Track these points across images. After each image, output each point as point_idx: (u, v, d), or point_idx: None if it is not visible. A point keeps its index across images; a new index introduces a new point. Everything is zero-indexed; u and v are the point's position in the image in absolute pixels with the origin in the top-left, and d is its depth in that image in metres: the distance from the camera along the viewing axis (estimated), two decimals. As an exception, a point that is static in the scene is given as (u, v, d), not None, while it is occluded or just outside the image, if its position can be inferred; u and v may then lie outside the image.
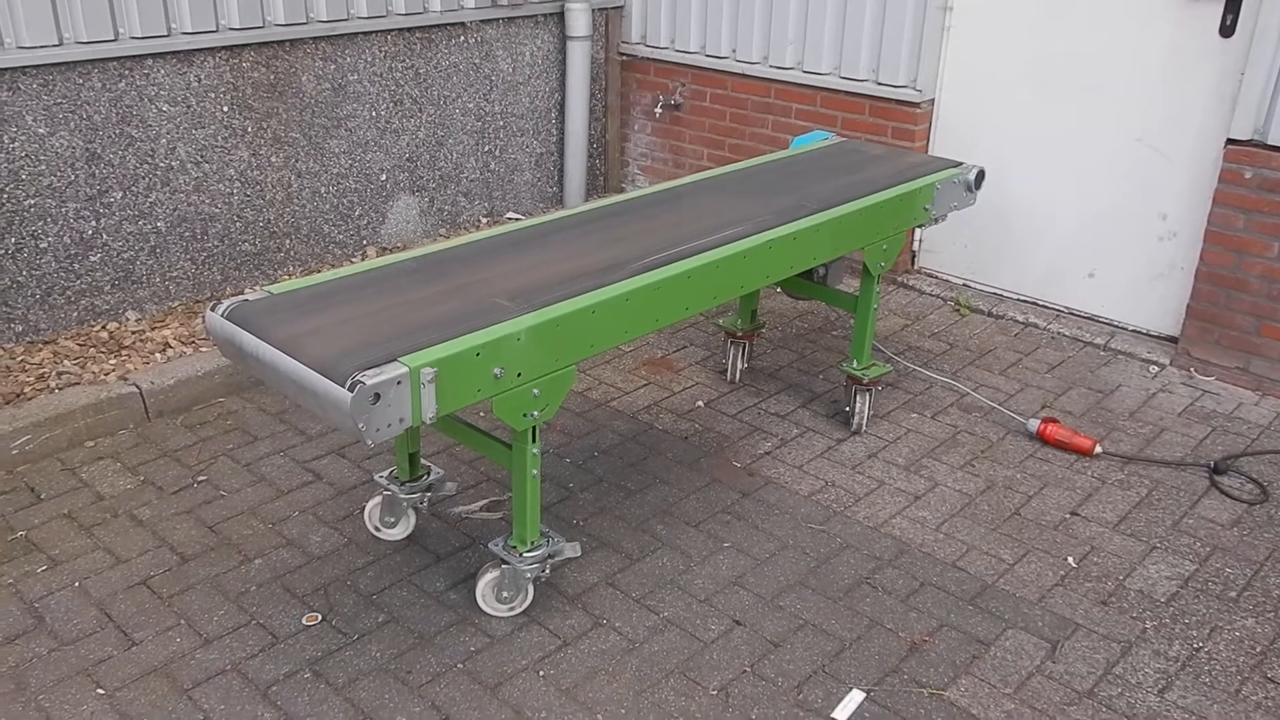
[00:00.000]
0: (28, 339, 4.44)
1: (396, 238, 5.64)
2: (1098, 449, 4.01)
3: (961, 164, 4.16)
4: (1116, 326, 4.97)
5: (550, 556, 3.09)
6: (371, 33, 5.17)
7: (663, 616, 3.16)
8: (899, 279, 5.53)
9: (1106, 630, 3.14)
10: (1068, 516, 3.68)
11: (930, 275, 5.57)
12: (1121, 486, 3.85)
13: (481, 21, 5.62)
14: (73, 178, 4.38)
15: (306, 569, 3.34)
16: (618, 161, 6.57)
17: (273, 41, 4.82)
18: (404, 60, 5.35)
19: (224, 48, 4.67)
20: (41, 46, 4.14)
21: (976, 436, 4.15)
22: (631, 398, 4.41)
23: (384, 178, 5.48)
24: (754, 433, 4.16)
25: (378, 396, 2.41)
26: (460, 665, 2.96)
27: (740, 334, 4.45)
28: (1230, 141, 4.31)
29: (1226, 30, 4.33)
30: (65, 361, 4.27)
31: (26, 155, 4.24)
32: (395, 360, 2.49)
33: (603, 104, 6.39)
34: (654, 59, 6.19)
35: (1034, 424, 4.11)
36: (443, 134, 5.66)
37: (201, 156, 4.75)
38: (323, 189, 5.24)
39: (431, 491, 3.45)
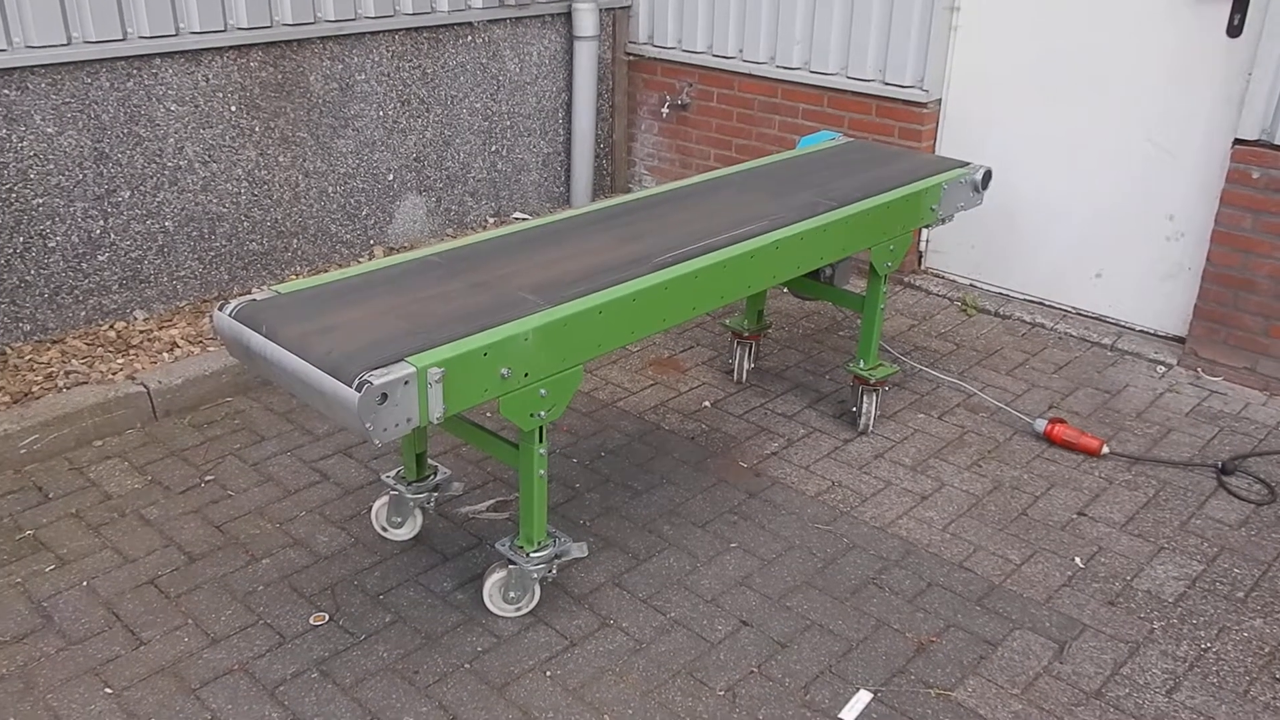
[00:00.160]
0: (35, 338, 4.45)
1: (403, 237, 5.65)
2: (1105, 449, 4.01)
3: (968, 164, 4.15)
4: (1124, 327, 4.97)
5: (557, 556, 3.09)
6: (379, 32, 5.18)
7: (670, 617, 3.16)
8: (906, 279, 5.52)
9: (1114, 631, 3.14)
10: (1075, 517, 3.67)
11: (937, 275, 5.57)
12: (1129, 487, 3.84)
13: (489, 21, 5.62)
14: (81, 177, 4.39)
15: (314, 569, 3.34)
16: (624, 161, 6.57)
17: (280, 41, 4.83)
18: (411, 60, 5.36)
19: (232, 47, 4.68)
20: (50, 46, 4.15)
21: (983, 437, 4.15)
22: (638, 398, 4.41)
23: (391, 177, 5.49)
24: (761, 433, 4.16)
25: (385, 396, 2.41)
26: (467, 665, 2.96)
27: (747, 334, 4.45)
28: (1238, 141, 4.31)
29: (1234, 30, 4.32)
30: (73, 361, 4.27)
31: (35, 154, 4.25)
32: (402, 360, 2.49)
33: (610, 104, 6.39)
34: (661, 59, 6.19)
35: (1041, 424, 4.10)
36: (450, 134, 5.66)
37: (209, 156, 4.76)
38: (330, 189, 5.25)
39: (438, 491, 3.45)
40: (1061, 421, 4.08)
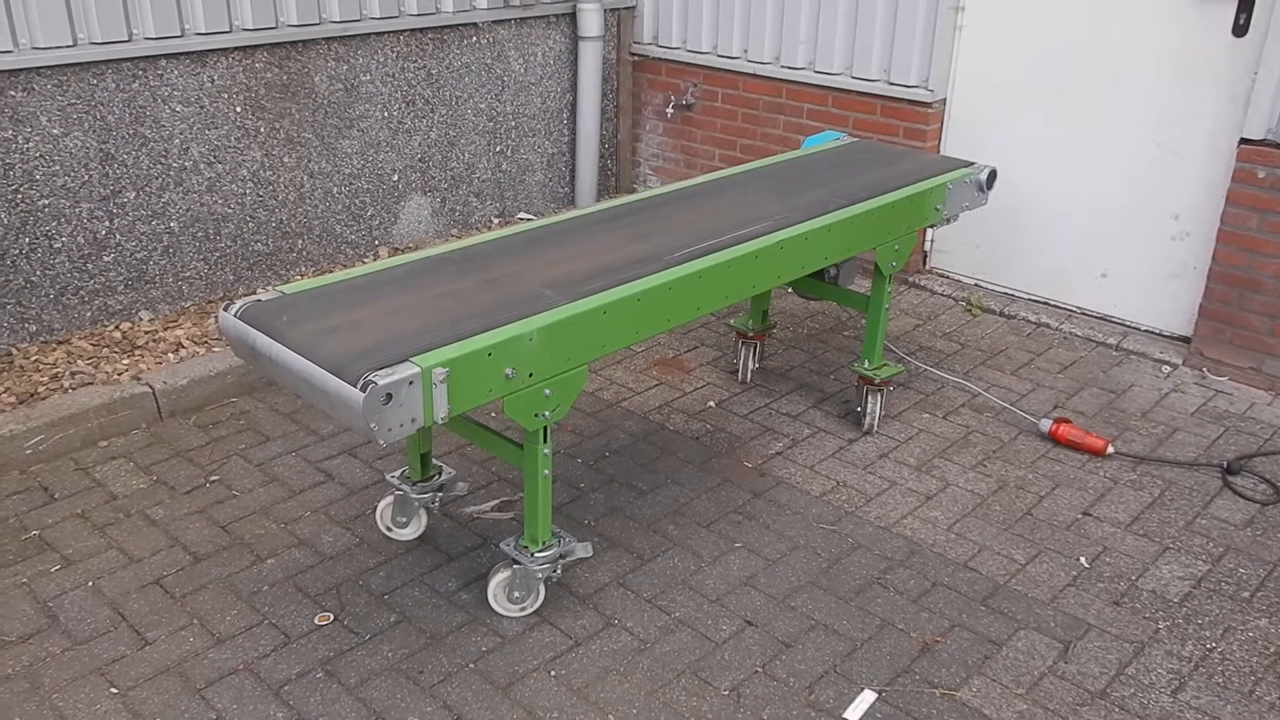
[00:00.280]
0: (41, 339, 4.46)
1: (408, 238, 5.65)
2: (1110, 449, 4.00)
3: (973, 164, 4.15)
4: (1129, 326, 4.96)
5: (561, 556, 3.10)
6: (384, 33, 5.18)
7: (674, 617, 3.16)
8: (910, 279, 5.52)
9: (1119, 630, 3.13)
10: (1080, 517, 3.67)
11: (942, 275, 5.56)
12: (1134, 487, 3.84)
13: (494, 22, 5.63)
14: (86, 178, 4.40)
15: (318, 569, 3.34)
16: (629, 162, 6.57)
17: (285, 42, 4.84)
18: (416, 60, 5.36)
19: (237, 48, 4.69)
20: (56, 47, 4.16)
21: (988, 437, 4.14)
22: (643, 398, 4.41)
23: (396, 178, 5.49)
24: (765, 433, 4.16)
25: (389, 396, 2.42)
26: (472, 665, 2.97)
27: (751, 334, 4.45)
28: (1243, 141, 4.30)
29: (1239, 30, 4.32)
30: (79, 361, 4.28)
31: (41, 155, 4.25)
32: (407, 360, 2.49)
33: (614, 104, 6.40)
34: (666, 59, 6.19)
35: (1046, 424, 4.10)
36: (455, 134, 5.66)
37: (214, 157, 4.77)
38: (335, 189, 5.26)
39: (443, 491, 3.45)
40: (1066, 421, 4.08)
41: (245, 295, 4.94)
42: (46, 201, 4.32)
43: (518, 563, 3.08)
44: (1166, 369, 4.66)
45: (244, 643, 3.03)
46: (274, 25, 4.76)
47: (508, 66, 5.78)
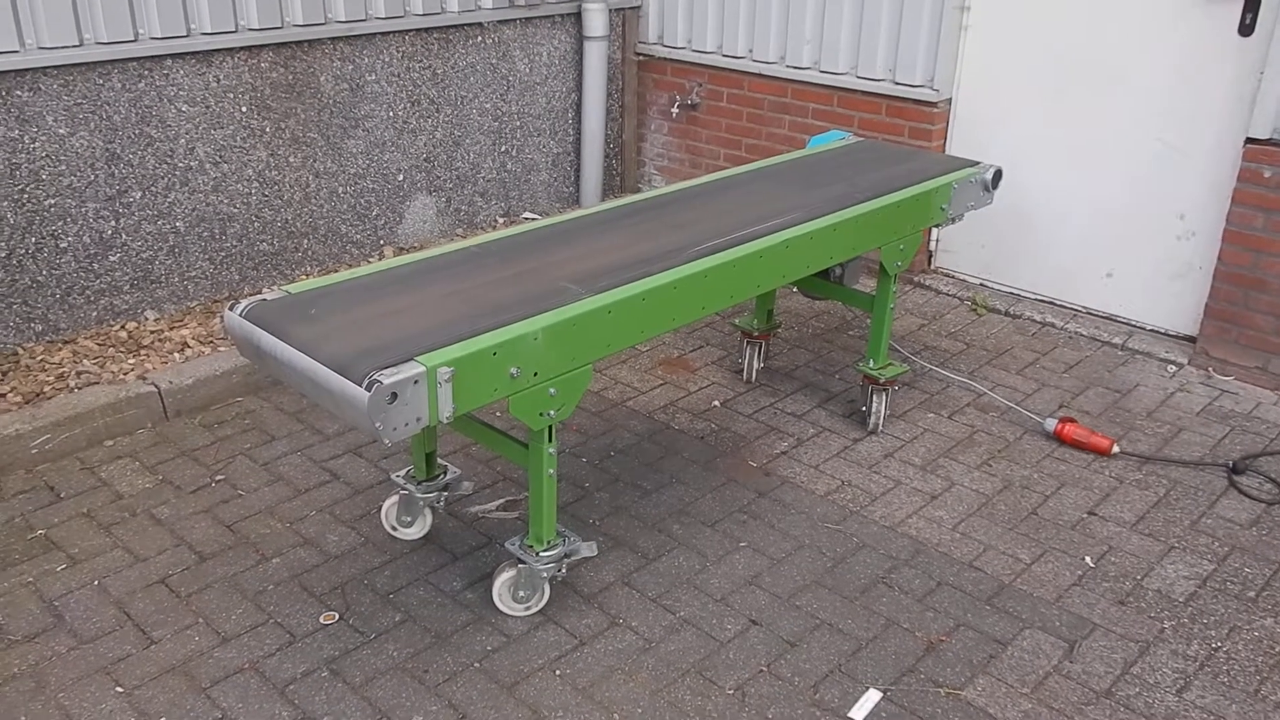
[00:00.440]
0: (47, 338, 4.47)
1: (413, 237, 5.66)
2: (1115, 449, 4.00)
3: (978, 163, 4.15)
4: (1134, 326, 4.95)
5: (567, 556, 3.10)
6: (389, 33, 5.19)
7: (679, 616, 3.16)
8: (915, 279, 5.52)
9: (1124, 630, 3.13)
10: (1085, 516, 3.67)
11: (947, 275, 5.56)
12: (1139, 486, 3.83)
13: (499, 22, 5.63)
14: (92, 178, 4.41)
15: (324, 568, 3.35)
16: (634, 161, 6.57)
17: (291, 42, 4.84)
18: (421, 60, 5.37)
19: (243, 48, 4.69)
20: (62, 47, 4.17)
21: (993, 436, 4.14)
22: (648, 397, 4.41)
23: (401, 178, 5.50)
24: (770, 432, 4.15)
25: (395, 396, 2.42)
26: (477, 664, 2.97)
27: (756, 333, 4.45)
28: (1249, 141, 4.29)
29: (1246, 29, 4.31)
30: (84, 361, 4.29)
31: (47, 155, 4.26)
32: (412, 359, 2.49)
33: (619, 104, 6.40)
34: (671, 59, 6.19)
35: (1051, 423, 4.10)
36: (460, 134, 5.67)
37: (220, 157, 4.77)
38: (340, 189, 5.26)
39: (448, 491, 3.45)
40: (1072, 421, 4.07)
41: (250, 295, 4.95)
42: (53, 201, 4.32)
43: (523, 562, 3.09)
44: (1172, 368, 4.65)
45: (249, 642, 3.04)
46: (279, 25, 4.76)
47: (513, 66, 5.78)
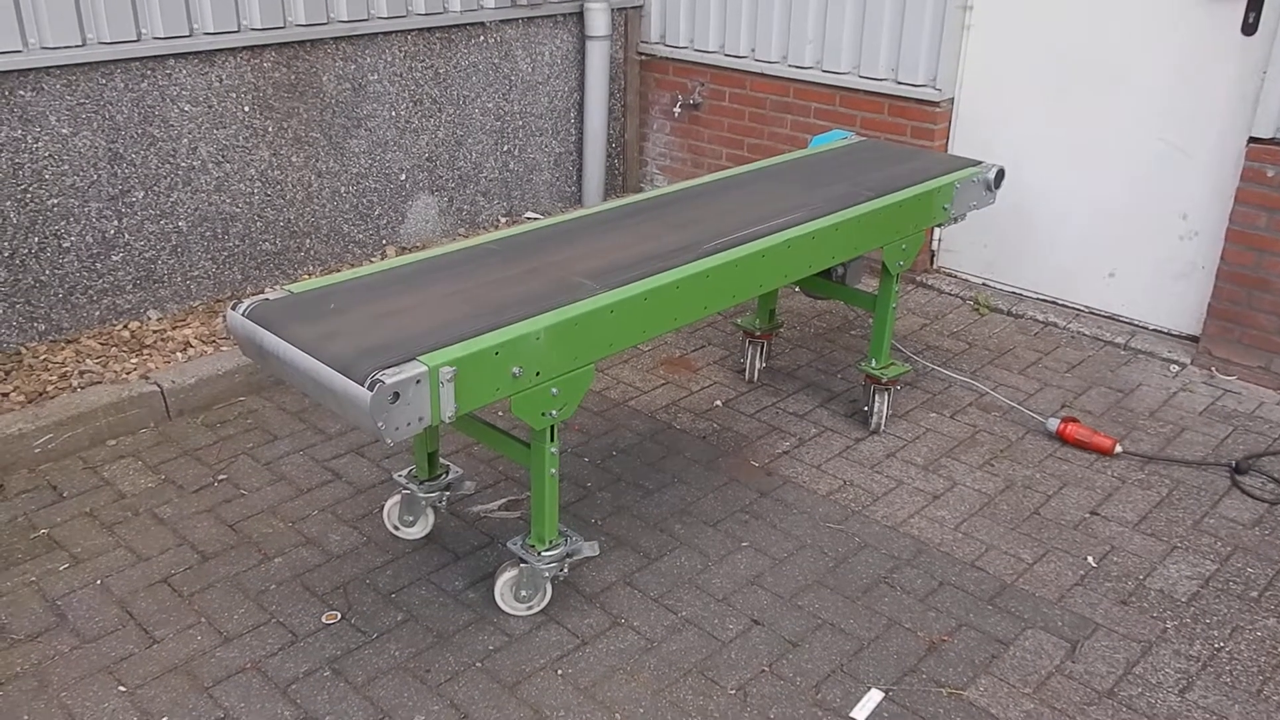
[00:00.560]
0: (50, 338, 4.47)
1: (416, 237, 5.66)
2: (1118, 448, 3.99)
3: (981, 163, 4.14)
4: (1137, 326, 4.95)
5: (568, 555, 3.10)
6: (392, 33, 5.19)
7: (681, 616, 3.16)
8: (918, 278, 5.51)
9: (1127, 630, 3.13)
10: (1087, 516, 3.66)
11: (949, 274, 5.56)
12: (1142, 486, 3.83)
13: (501, 21, 5.63)
14: (95, 177, 4.41)
15: (326, 567, 3.35)
16: (636, 161, 6.57)
17: (294, 42, 4.85)
18: (424, 60, 5.37)
19: (245, 48, 4.70)
20: (65, 47, 4.17)
21: (995, 436, 4.14)
22: (650, 397, 4.41)
23: (403, 177, 5.50)
24: (772, 432, 4.15)
25: (397, 395, 2.42)
26: (479, 664, 2.97)
27: (758, 333, 4.45)
28: (1252, 140, 4.29)
29: (1249, 28, 4.31)
30: (87, 360, 4.30)
31: (50, 155, 4.27)
32: (414, 359, 2.49)
33: (621, 104, 6.40)
34: (673, 58, 6.19)
35: (1053, 423, 4.09)
36: (462, 134, 5.67)
37: (223, 156, 4.78)
38: (343, 189, 5.26)
39: (450, 490, 3.46)
40: (1074, 420, 4.07)
41: (253, 294, 4.94)
42: (55, 201, 4.33)
43: (525, 561, 3.09)
44: (1175, 368, 4.65)
45: (252, 641, 3.04)
46: (282, 25, 4.77)
47: (515, 66, 5.78)
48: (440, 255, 3.16)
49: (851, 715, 2.82)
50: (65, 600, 3.19)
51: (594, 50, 5.98)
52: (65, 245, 4.40)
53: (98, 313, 4.58)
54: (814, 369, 4.66)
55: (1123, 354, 4.79)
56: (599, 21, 5.91)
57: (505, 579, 3.12)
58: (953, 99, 5.25)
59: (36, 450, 3.83)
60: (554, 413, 2.85)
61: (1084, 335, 4.95)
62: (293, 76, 4.90)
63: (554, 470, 2.97)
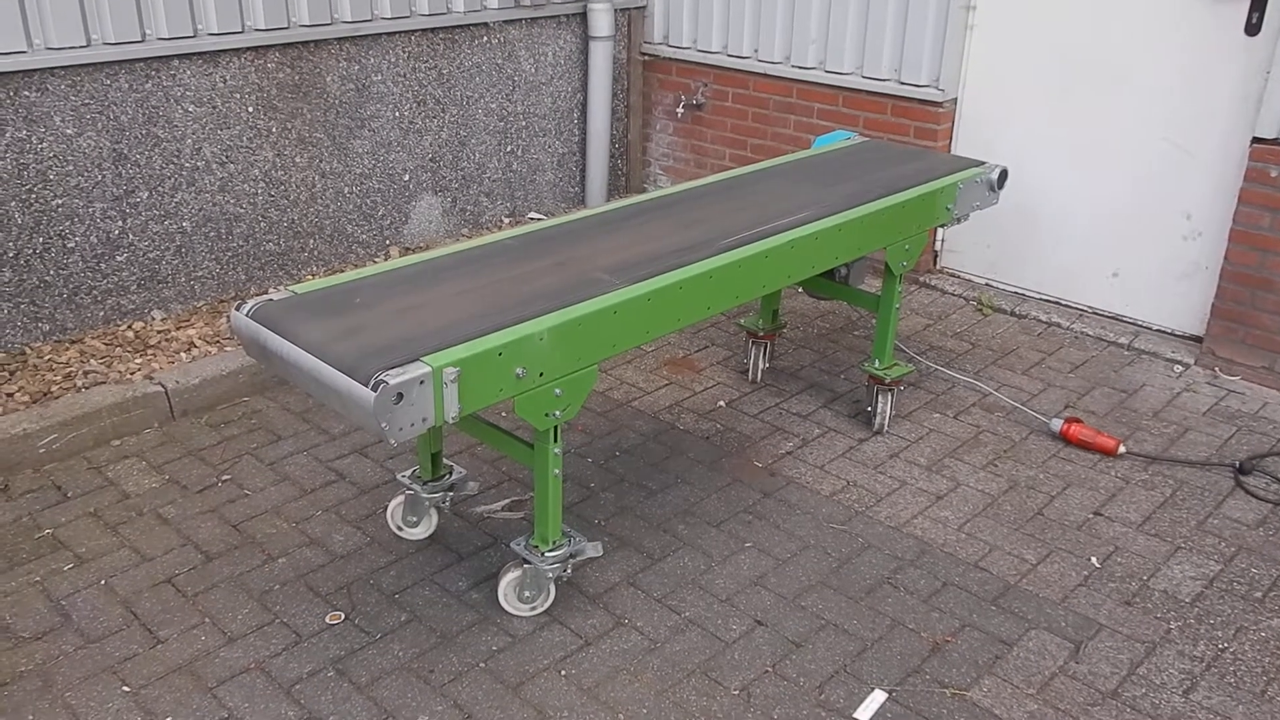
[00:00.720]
0: (55, 338, 4.48)
1: (419, 238, 5.66)
2: (1121, 449, 3.99)
3: (984, 163, 4.14)
4: (1140, 326, 4.95)
5: (572, 556, 3.10)
6: (395, 33, 5.19)
7: (684, 616, 3.16)
8: (921, 279, 5.51)
9: (1130, 630, 3.13)
10: (1091, 516, 3.66)
11: (952, 275, 5.56)
12: (1145, 486, 3.83)
13: (504, 22, 5.63)
14: (100, 178, 4.42)
15: (329, 568, 3.35)
16: (639, 161, 6.58)
17: (297, 42, 4.85)
18: (427, 61, 5.37)
19: (249, 48, 4.70)
20: (70, 48, 4.18)
21: (999, 436, 4.14)
22: (653, 397, 4.42)
23: (407, 178, 5.50)
24: (775, 433, 4.15)
25: (400, 396, 2.42)
26: (482, 664, 2.97)
27: (762, 334, 4.45)
28: (1256, 140, 4.29)
29: (1252, 29, 4.30)
30: (91, 361, 4.30)
31: (54, 156, 4.27)
32: (418, 360, 2.50)
33: (625, 104, 6.40)
34: (676, 59, 6.19)
35: (1057, 424, 4.09)
36: (465, 134, 5.67)
37: (227, 157, 4.78)
38: (346, 189, 5.27)
39: (454, 491, 3.46)
40: (1078, 421, 4.07)
41: (257, 295, 4.95)
42: (60, 201, 4.33)
43: (528, 562, 3.09)
44: (1178, 368, 4.64)
45: (255, 641, 3.04)
46: (286, 25, 4.77)
47: (518, 66, 5.79)
48: (442, 256, 3.16)
49: (855, 716, 2.82)
50: (69, 600, 3.19)
51: (597, 51, 5.98)
52: (70, 245, 4.41)
53: (102, 313, 4.59)
54: (817, 369, 4.66)
55: (1126, 354, 4.79)
56: (602, 22, 5.91)
57: (509, 579, 3.12)
58: (955, 99, 5.25)
59: (41, 450, 3.84)
60: (557, 413, 2.85)
61: (1087, 335, 4.95)
62: (296, 77, 4.90)
63: (557, 471, 2.97)
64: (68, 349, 4.40)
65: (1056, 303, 5.21)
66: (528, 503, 3.64)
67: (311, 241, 5.21)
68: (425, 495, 3.40)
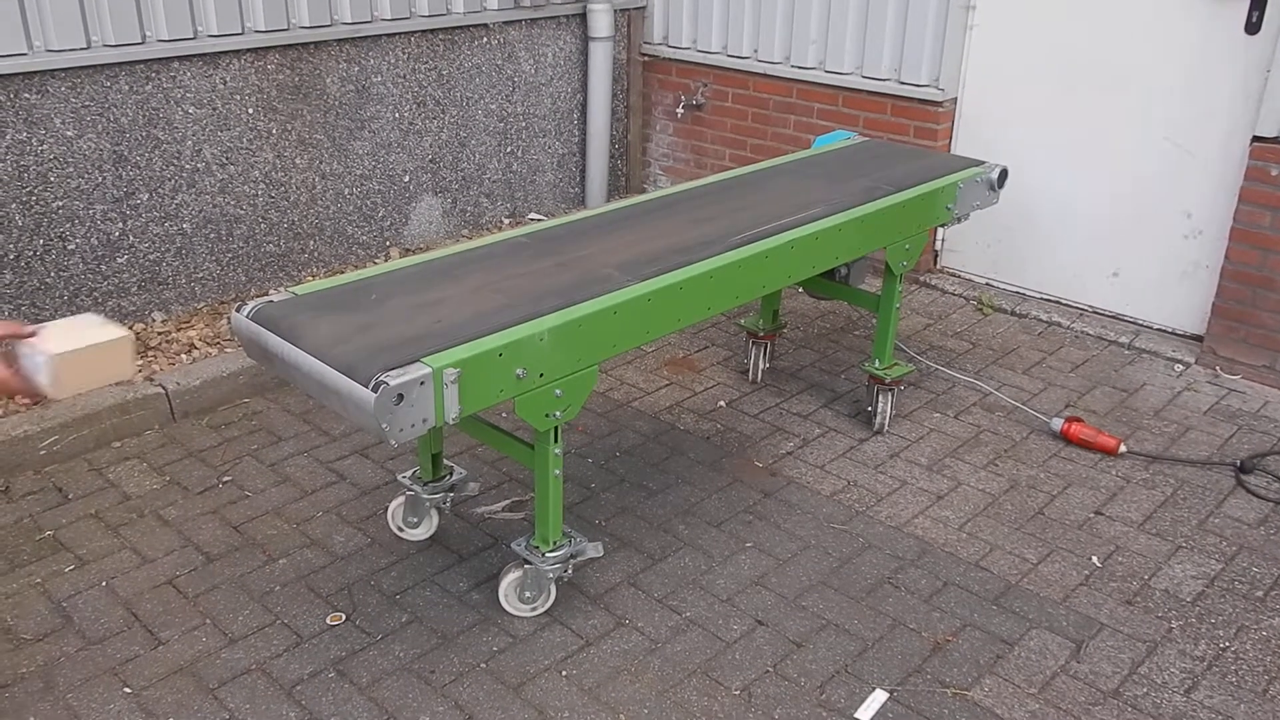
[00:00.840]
0: (55, 340, 4.47)
1: (419, 239, 5.66)
2: (1122, 448, 3.99)
3: (984, 163, 4.14)
4: (1141, 325, 4.95)
5: (572, 556, 3.10)
6: (395, 34, 5.20)
7: (685, 616, 3.16)
8: (921, 278, 5.51)
9: (1132, 630, 3.13)
10: (1092, 516, 3.66)
11: (953, 274, 5.56)
12: (1146, 486, 3.83)
13: (504, 23, 5.63)
14: (100, 180, 4.42)
15: (330, 569, 3.36)
16: (639, 162, 6.58)
17: (297, 44, 4.85)
18: (427, 62, 5.37)
19: (249, 50, 4.70)
20: (70, 50, 4.18)
21: (1000, 436, 4.14)
22: (653, 398, 4.42)
23: (407, 179, 5.50)
24: (776, 433, 4.15)
25: (401, 397, 2.42)
26: (483, 665, 2.97)
27: (762, 334, 4.45)
28: (1256, 139, 4.29)
29: (1252, 27, 4.30)
30: (92, 362, 4.30)
31: (55, 158, 4.27)
32: (418, 360, 2.50)
33: (624, 104, 6.40)
34: (676, 59, 6.19)
35: (1058, 423, 4.09)
36: (465, 135, 5.68)
37: (227, 158, 4.78)
38: (346, 190, 5.27)
39: (454, 492, 3.46)
40: (1078, 420, 4.07)
41: (257, 296, 4.95)
42: (60, 203, 4.34)
43: (529, 563, 3.09)
44: (1179, 368, 4.64)
45: (256, 643, 3.04)
46: (286, 27, 4.77)
47: (518, 67, 5.79)
48: (443, 257, 3.16)
49: (856, 716, 2.82)
50: (71, 602, 3.19)
51: (597, 51, 5.98)
52: (70, 247, 4.41)
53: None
54: (817, 369, 4.66)
55: (1127, 353, 4.79)
56: (602, 22, 5.91)
57: (509, 580, 3.12)
58: (955, 99, 5.25)
59: (42, 452, 3.84)
60: (558, 414, 2.85)
61: (1088, 335, 4.95)
62: (296, 78, 4.90)
63: (558, 471, 2.97)
64: (68, 351, 4.40)
65: (1057, 302, 5.20)
66: (528, 503, 3.64)
67: (312, 243, 5.21)
68: (426, 496, 3.40)
